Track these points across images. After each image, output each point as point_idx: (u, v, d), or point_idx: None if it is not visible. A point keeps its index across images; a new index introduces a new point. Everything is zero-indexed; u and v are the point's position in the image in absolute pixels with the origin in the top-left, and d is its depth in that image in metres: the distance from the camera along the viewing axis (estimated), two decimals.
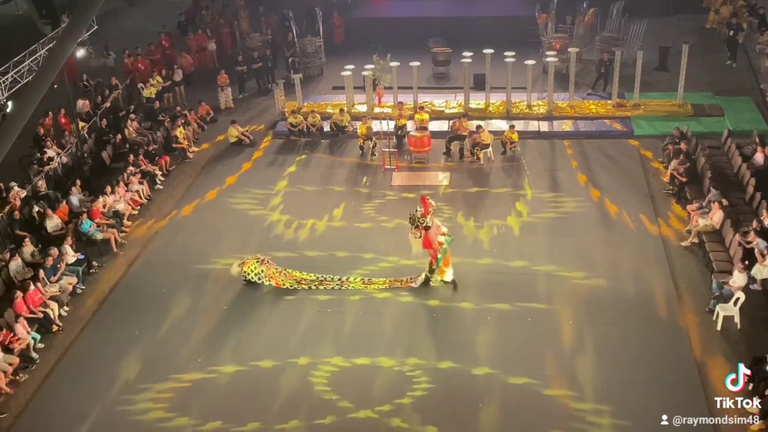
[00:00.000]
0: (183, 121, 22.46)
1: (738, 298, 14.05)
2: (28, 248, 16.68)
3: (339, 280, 15.95)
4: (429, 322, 15.01)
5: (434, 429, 12.48)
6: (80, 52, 21.20)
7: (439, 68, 26.16)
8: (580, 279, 15.78)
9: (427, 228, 15.20)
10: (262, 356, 14.17)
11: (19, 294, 14.98)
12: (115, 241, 17.75)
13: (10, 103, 17.24)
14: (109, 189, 18.80)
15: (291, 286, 15.95)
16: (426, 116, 21.69)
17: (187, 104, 24.55)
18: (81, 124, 21.30)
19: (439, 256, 15.32)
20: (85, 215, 17.70)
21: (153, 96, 24.42)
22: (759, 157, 18.15)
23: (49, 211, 17.80)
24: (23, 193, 18.27)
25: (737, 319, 14.13)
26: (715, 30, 27.92)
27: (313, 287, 15.89)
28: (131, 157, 20.25)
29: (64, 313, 15.65)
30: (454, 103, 23.68)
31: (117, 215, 18.42)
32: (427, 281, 15.69)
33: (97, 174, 20.57)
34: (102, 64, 27.30)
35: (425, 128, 21.30)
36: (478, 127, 20.78)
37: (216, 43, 27.72)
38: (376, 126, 21.78)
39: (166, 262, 17.26)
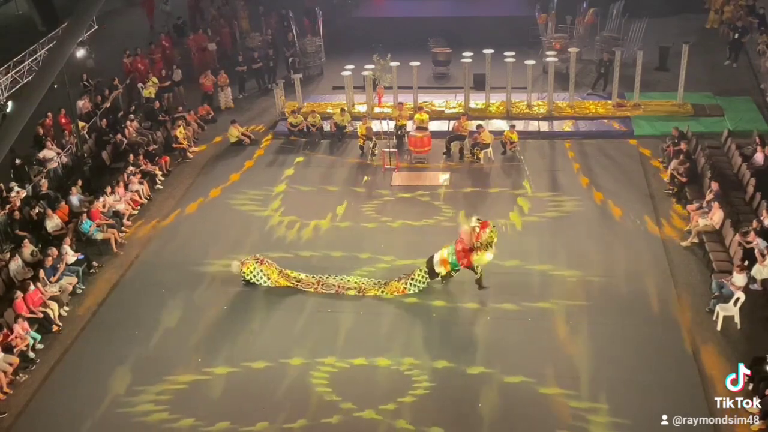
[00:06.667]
0: (183, 121, 22.46)
1: (738, 298, 14.06)
2: (28, 248, 16.68)
3: (338, 282, 15.89)
4: (429, 322, 14.99)
5: (434, 429, 12.46)
6: (80, 52, 21.19)
7: (439, 68, 26.16)
8: (580, 279, 15.78)
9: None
10: (262, 356, 14.16)
11: (19, 294, 14.98)
12: (115, 241, 17.75)
13: (10, 103, 17.24)
14: (109, 189, 18.80)
15: (292, 284, 15.94)
16: (426, 116, 21.68)
17: (187, 104, 24.54)
18: (81, 124, 21.31)
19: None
20: (85, 215, 17.70)
21: (153, 96, 24.43)
22: (759, 157, 18.15)
23: (49, 211, 17.80)
24: (23, 193, 18.28)
25: (737, 319, 14.13)
26: (715, 30, 27.94)
27: (311, 290, 15.87)
28: (131, 157, 20.27)
29: (64, 313, 15.65)
30: (454, 103, 23.69)
31: (117, 215, 18.42)
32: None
33: (97, 174, 20.57)
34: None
35: (425, 128, 21.30)
36: (479, 126, 20.78)
37: (216, 42, 27.70)
38: (376, 126, 21.78)
39: (166, 262, 17.26)
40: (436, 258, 15.35)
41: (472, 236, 14.99)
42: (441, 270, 15.36)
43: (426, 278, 15.54)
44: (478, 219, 15.24)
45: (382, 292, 15.62)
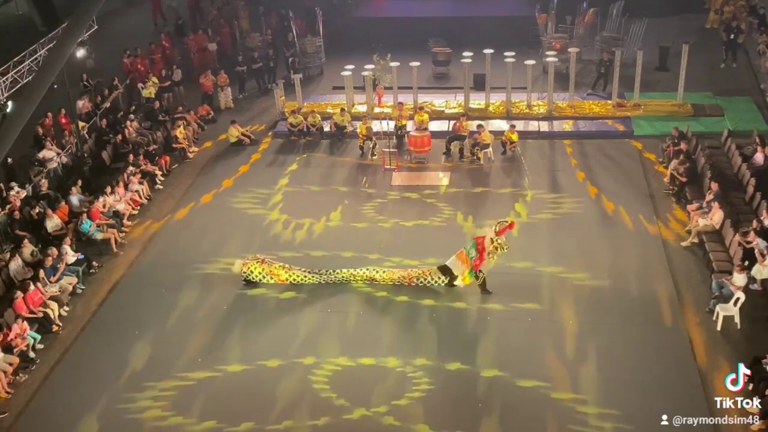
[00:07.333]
0: (183, 121, 22.45)
1: (738, 298, 14.06)
2: (28, 248, 16.68)
3: (341, 275, 15.91)
4: (429, 322, 14.97)
5: (434, 429, 12.46)
6: (80, 52, 21.19)
7: (439, 68, 26.15)
8: (580, 279, 15.77)
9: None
10: (262, 356, 14.17)
11: (19, 294, 14.99)
12: (115, 241, 17.75)
13: (10, 103, 17.24)
14: (109, 189, 18.80)
15: (296, 281, 15.94)
16: (426, 117, 21.68)
17: (187, 104, 24.54)
18: (81, 124, 21.30)
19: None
20: (85, 215, 17.70)
21: (153, 96, 24.42)
22: (759, 157, 18.15)
23: (49, 211, 17.80)
24: (23, 193, 18.27)
25: (737, 319, 14.13)
26: (715, 30, 27.92)
27: (318, 280, 15.89)
28: (131, 157, 20.26)
29: (64, 313, 15.65)
30: (454, 103, 23.69)
31: (117, 215, 18.42)
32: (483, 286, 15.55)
33: (97, 174, 20.57)
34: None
35: (425, 128, 21.30)
36: (479, 126, 20.78)
37: (216, 42, 27.69)
38: (376, 126, 21.78)
39: (166, 262, 17.26)
40: (455, 261, 15.36)
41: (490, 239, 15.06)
42: (461, 273, 15.33)
43: (440, 282, 15.62)
44: (500, 222, 15.28)
45: (389, 277, 15.78)
